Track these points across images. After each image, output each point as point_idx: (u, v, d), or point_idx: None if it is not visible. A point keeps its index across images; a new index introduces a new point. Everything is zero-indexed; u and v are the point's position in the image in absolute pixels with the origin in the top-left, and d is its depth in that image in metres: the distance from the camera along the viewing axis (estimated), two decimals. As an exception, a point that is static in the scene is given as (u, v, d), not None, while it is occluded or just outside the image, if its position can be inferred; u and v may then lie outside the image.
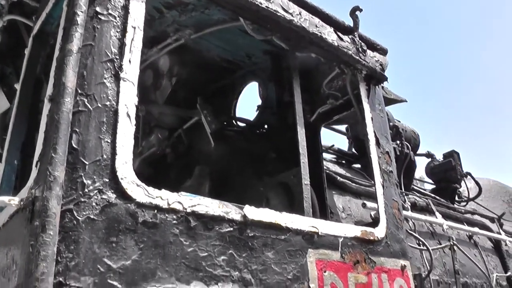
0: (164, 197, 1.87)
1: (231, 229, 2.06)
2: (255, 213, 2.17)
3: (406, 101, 5.08)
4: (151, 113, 4.34)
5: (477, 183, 7.73)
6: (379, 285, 2.74)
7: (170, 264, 1.81)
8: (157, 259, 1.78)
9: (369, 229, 2.82)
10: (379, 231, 2.88)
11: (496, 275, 6.20)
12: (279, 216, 2.28)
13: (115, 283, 1.66)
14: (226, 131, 4.38)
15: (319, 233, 2.44)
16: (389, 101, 4.93)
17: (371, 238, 2.78)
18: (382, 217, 2.96)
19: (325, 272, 2.42)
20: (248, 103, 5.06)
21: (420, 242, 4.21)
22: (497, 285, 6.25)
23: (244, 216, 2.11)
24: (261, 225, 2.18)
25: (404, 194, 5.32)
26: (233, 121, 4.75)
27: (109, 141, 1.80)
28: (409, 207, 5.10)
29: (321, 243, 2.45)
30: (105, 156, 1.77)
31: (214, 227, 2.01)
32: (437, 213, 5.55)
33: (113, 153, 1.78)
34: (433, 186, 7.61)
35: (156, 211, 1.83)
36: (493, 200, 10.20)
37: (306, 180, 2.76)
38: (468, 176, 7.70)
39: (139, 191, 1.80)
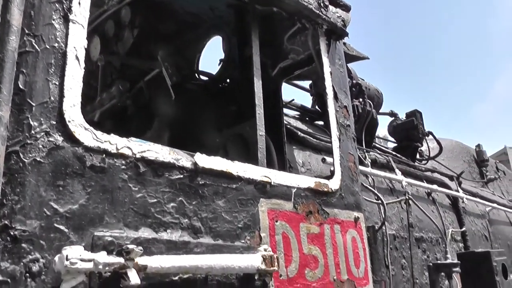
0: (113, 142, 1.86)
1: (181, 176, 2.06)
2: (206, 161, 2.17)
3: (368, 58, 5.10)
4: (112, 64, 4.29)
5: (438, 142, 7.87)
6: (331, 236, 2.79)
7: (118, 209, 1.81)
8: (105, 204, 1.78)
9: (323, 180, 2.85)
10: (334, 183, 2.92)
11: (452, 231, 6.38)
12: (231, 165, 2.29)
13: (61, 227, 1.66)
14: (188, 84, 4.35)
15: (272, 183, 2.47)
16: (351, 57, 4.94)
17: (325, 189, 2.83)
18: (337, 169, 3.00)
19: (276, 221, 2.46)
20: (213, 57, 5.03)
21: (376, 196, 4.29)
22: (452, 240, 6.44)
23: (195, 164, 2.11)
24: (212, 173, 2.19)
25: (365, 150, 5.40)
26: (196, 75, 4.73)
27: (57, 83, 1.77)
28: (369, 164, 5.17)
29: (273, 193, 2.48)
30: (52, 98, 1.74)
31: (164, 173, 2.01)
32: (397, 170, 5.65)
33: (61, 95, 1.76)
34: (395, 145, 7.72)
35: (104, 155, 1.82)
36: (455, 160, 10.41)
37: (261, 131, 2.77)
38: (430, 136, 7.82)
39: (87, 135, 1.78)
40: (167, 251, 1.92)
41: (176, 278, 1.93)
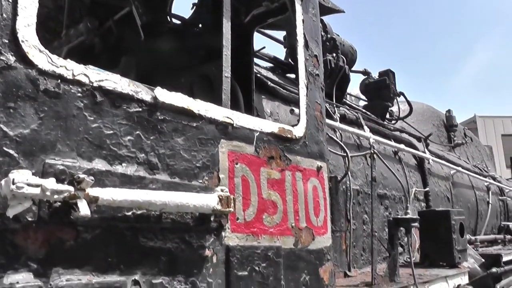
0: (69, 68, 1.78)
1: (140, 109, 2.00)
2: (166, 96, 2.11)
3: (344, 12, 5.01)
4: (81, 0, 4.17)
5: (409, 103, 7.91)
6: (292, 182, 2.78)
7: (72, 138, 1.75)
8: (58, 131, 1.71)
9: (287, 127, 2.82)
10: (298, 130, 2.89)
11: (415, 190, 6.47)
12: (193, 103, 2.23)
13: (11, 151, 1.60)
14: (159, 27, 4.26)
15: (234, 125, 2.42)
16: (326, 10, 4.84)
17: (289, 136, 2.80)
18: (302, 117, 2.97)
19: (237, 164, 2.43)
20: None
21: (342, 149, 4.30)
22: (415, 199, 6.54)
23: (155, 98, 2.05)
24: (172, 109, 2.13)
25: (334, 105, 5.39)
26: (168, 18, 4.63)
27: (10, 0, 1.68)
28: (338, 118, 5.18)
29: (235, 135, 2.44)
30: (5, 16, 1.65)
31: (122, 105, 1.94)
32: (365, 127, 5.67)
33: (14, 13, 1.66)
34: (366, 103, 7.73)
35: (59, 80, 1.74)
36: (424, 123, 10.52)
37: (227, 72, 2.71)
38: (401, 97, 7.85)
39: (42, 57, 1.70)
40: (121, 185, 1.87)
41: (130, 213, 1.90)
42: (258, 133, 2.58)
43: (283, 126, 2.79)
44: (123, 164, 1.92)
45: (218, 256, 2.27)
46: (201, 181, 2.22)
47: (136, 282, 1.92)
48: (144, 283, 1.95)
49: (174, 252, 2.08)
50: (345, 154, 4.03)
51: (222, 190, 2.26)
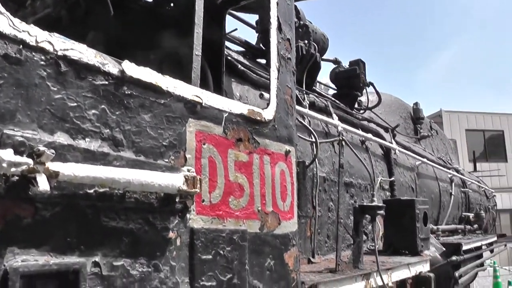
0: (32, 33, 1.68)
1: (106, 82, 1.91)
2: (134, 70, 2.02)
3: (317, -3, 4.99)
4: (49, -28, 4.03)
5: (378, 93, 7.94)
6: (260, 166, 2.74)
7: (33, 108, 1.66)
8: (19, 100, 1.62)
9: (257, 109, 2.77)
10: (267, 113, 2.84)
11: (381, 179, 6.52)
12: (161, 79, 2.15)
13: (-34, 119, 1.52)
14: (130, 3, 4.15)
15: (203, 104, 2.36)
16: (301, -6, 4.82)
17: (258, 118, 2.75)
18: (272, 100, 2.92)
19: (204, 144, 2.36)
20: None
21: (311, 135, 4.26)
22: (380, 188, 6.59)
23: (122, 72, 1.97)
24: (140, 85, 2.04)
25: (304, 92, 5.36)
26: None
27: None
28: (307, 105, 5.16)
29: (203, 114, 2.37)
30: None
31: (87, 77, 1.85)
32: (334, 115, 5.66)
33: (-28, -27, 1.58)
34: (335, 92, 7.73)
35: (21, 46, 1.64)
36: (392, 115, 10.61)
37: (197, 51, 2.64)
38: (371, 87, 7.88)
39: (3, 20, 1.59)
40: (83, 160, 1.79)
41: (92, 191, 1.82)
42: (227, 114, 2.52)
43: (252, 108, 2.73)
44: (87, 139, 1.83)
45: (182, 238, 2.22)
46: (167, 160, 2.16)
47: (96, 264, 1.84)
48: (105, 265, 1.87)
49: (137, 233, 2.01)
50: (314, 140, 4.00)
51: (188, 170, 2.20)
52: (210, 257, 2.31)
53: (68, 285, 1.73)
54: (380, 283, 4.11)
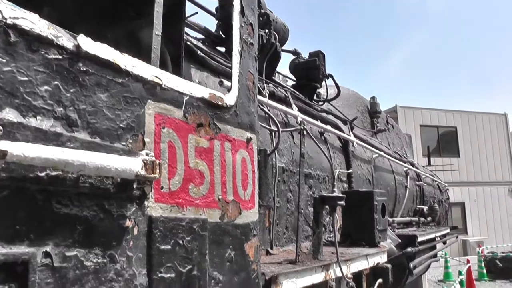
0: (-22, -1, 1.55)
1: (60, 57, 1.77)
2: (91, 45, 1.89)
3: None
4: None
5: (337, 85, 7.93)
6: (221, 152, 2.64)
7: (-22, 81, 1.53)
8: (-38, 71, 1.49)
9: (218, 93, 2.66)
10: (229, 98, 2.74)
11: (339, 171, 6.50)
12: (119, 57, 2.02)
13: None
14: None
15: (163, 86, 2.24)
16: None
17: (219, 103, 2.65)
18: (234, 85, 2.82)
19: (163, 128, 2.25)
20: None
21: (273, 124, 4.18)
22: (338, 180, 6.57)
23: (78, 46, 1.83)
24: (96, 61, 1.91)
25: (264, 81, 5.28)
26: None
27: None
28: (267, 95, 5.08)
29: (163, 96, 2.25)
30: None
31: (40, 49, 1.70)
32: (293, 106, 5.59)
33: None
34: (295, 83, 7.67)
35: None
36: (349, 108, 10.66)
37: (158, 30, 2.52)
38: (330, 79, 7.85)
39: None
40: (34, 140, 1.65)
41: (43, 174, 1.69)
42: (187, 97, 2.41)
43: (214, 93, 2.63)
44: (38, 117, 1.69)
45: (140, 227, 2.10)
46: (124, 143, 2.03)
47: (47, 254, 1.70)
48: (57, 256, 1.73)
49: (91, 221, 1.88)
50: (275, 129, 3.91)
51: (147, 155, 2.08)
52: (169, 247, 2.20)
53: (16, 277, 1.59)
54: (339, 274, 4.08)
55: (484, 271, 21.23)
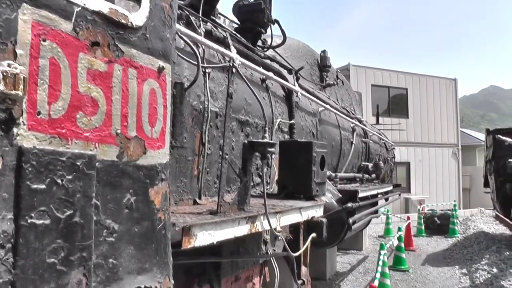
0: None
1: None
2: None
3: None
4: None
5: (283, 32, 7.51)
6: (122, 80, 2.22)
7: None
8: None
9: (122, 10, 2.23)
10: (136, 18, 2.32)
11: (280, 120, 6.19)
12: None
13: None
14: None
15: (42, -13, 1.81)
16: None
17: (123, 21, 2.22)
18: (145, 3, 2.40)
19: (44, 41, 1.83)
20: None
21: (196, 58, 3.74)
22: (279, 130, 6.26)
23: None
24: None
25: (201, 19, 4.85)
26: None
27: None
28: (202, 33, 4.66)
29: (45, 2, 1.82)
30: None
31: None
32: (232, 48, 5.18)
33: None
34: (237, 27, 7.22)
35: None
36: (298, 60, 10.34)
37: None
38: (276, 24, 7.43)
39: None
40: None
41: None
42: (79, 8, 1.99)
43: (116, 8, 2.20)
44: None
45: (6, 160, 1.68)
46: (-16, 52, 1.61)
47: None
48: None
49: None
50: (195, 63, 3.45)
51: (9, 66, 1.65)
52: (44, 187, 1.79)
53: None
54: (268, 227, 3.78)
55: (423, 227, 21.87)
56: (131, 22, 2.28)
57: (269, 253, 5.20)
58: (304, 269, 6.72)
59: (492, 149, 18.69)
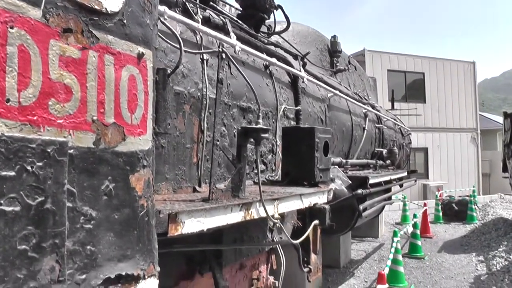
0: None
1: None
2: None
3: None
4: None
5: (286, 17, 7.41)
6: (98, 66, 2.20)
7: None
8: None
9: (94, -5, 2.22)
10: (111, 3, 2.28)
11: (285, 107, 6.15)
12: None
13: None
14: None
15: (6, -27, 1.80)
16: None
17: (97, 7, 2.20)
18: (121, -11, 2.38)
19: (12, 28, 1.82)
20: None
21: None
22: (284, 116, 6.22)
23: None
24: None
25: (198, 6, 4.82)
26: None
27: None
28: (199, 20, 4.63)
29: (10, -11, 1.82)
30: None
31: None
32: (232, 34, 5.15)
33: None
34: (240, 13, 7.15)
35: None
36: (307, 46, 10.25)
37: None
38: (279, 10, 7.35)
39: None
40: None
41: None
42: (50, -6, 1.97)
43: (88, -6, 2.18)
44: None
45: (-26, 147, 1.70)
46: None
47: None
48: None
49: None
50: (178, 47, 3.38)
51: (-34, 53, 1.65)
52: (13, 173, 1.79)
53: None
54: (264, 215, 3.75)
55: (440, 214, 21.48)
56: (106, 8, 2.26)
57: (275, 240, 5.18)
58: (314, 257, 6.71)
59: (510, 132, 18.01)
